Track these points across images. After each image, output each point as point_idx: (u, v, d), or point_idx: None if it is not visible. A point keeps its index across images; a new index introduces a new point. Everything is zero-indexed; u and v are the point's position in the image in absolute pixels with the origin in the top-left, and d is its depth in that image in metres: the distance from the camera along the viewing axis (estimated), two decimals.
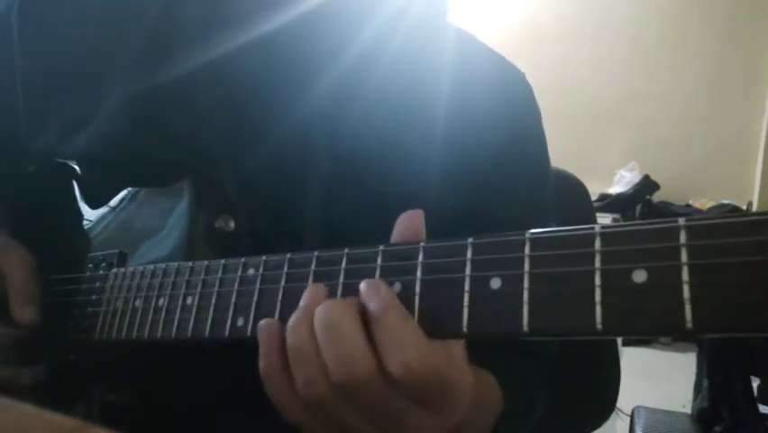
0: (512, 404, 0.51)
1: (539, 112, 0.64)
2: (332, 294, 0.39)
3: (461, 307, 0.32)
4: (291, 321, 0.37)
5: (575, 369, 0.72)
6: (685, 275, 0.26)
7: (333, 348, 0.34)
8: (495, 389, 0.50)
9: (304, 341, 0.36)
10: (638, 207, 3.50)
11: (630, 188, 3.51)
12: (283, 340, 0.37)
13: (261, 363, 0.38)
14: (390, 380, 0.34)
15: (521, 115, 0.61)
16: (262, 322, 0.39)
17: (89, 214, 0.66)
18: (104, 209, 0.65)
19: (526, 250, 0.31)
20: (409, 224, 0.38)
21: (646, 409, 1.44)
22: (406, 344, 0.33)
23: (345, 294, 0.38)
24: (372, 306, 0.35)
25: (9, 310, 0.58)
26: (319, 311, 0.36)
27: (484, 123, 0.57)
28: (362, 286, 0.36)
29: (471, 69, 0.59)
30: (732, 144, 3.58)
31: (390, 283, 0.36)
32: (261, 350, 0.38)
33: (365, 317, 0.35)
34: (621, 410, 1.72)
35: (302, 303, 0.38)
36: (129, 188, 0.64)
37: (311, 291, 0.38)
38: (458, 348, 0.36)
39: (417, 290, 0.35)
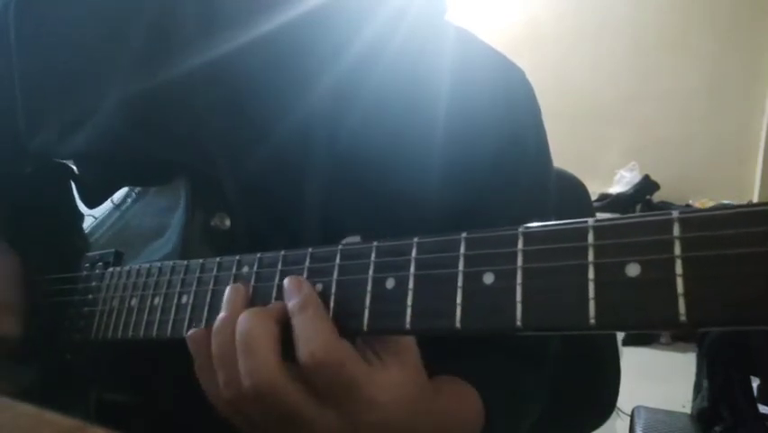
0: (501, 407, 0.50)
1: (539, 110, 0.64)
2: (325, 291, 0.39)
3: (455, 302, 0.32)
4: (216, 326, 0.40)
5: (575, 369, 0.72)
6: (679, 268, 0.25)
7: (246, 359, 0.38)
8: (466, 404, 0.50)
9: (225, 346, 0.39)
10: (638, 207, 3.50)
11: (630, 188, 3.51)
12: (209, 345, 0.40)
13: (195, 365, 0.42)
14: (298, 374, 0.37)
15: (521, 114, 0.61)
16: (190, 333, 0.43)
17: (94, 211, 0.66)
18: (109, 207, 0.65)
19: (519, 245, 0.31)
20: None
21: (646, 409, 1.44)
22: (315, 336, 0.37)
23: (339, 291, 0.38)
24: (292, 303, 0.38)
25: None
26: (240, 321, 0.39)
27: (484, 122, 0.57)
28: (286, 282, 0.40)
29: (471, 68, 0.59)
30: (732, 144, 3.58)
31: (383, 279, 0.36)
32: (192, 354, 0.42)
33: (285, 316, 0.39)
34: (621, 410, 1.72)
35: (223, 309, 0.41)
36: (131, 188, 0.64)
37: (231, 296, 0.42)
38: (386, 370, 0.38)
39: (411, 285, 0.35)
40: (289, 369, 0.37)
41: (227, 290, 0.42)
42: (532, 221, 0.51)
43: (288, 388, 0.37)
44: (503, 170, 0.57)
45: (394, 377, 0.38)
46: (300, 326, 0.37)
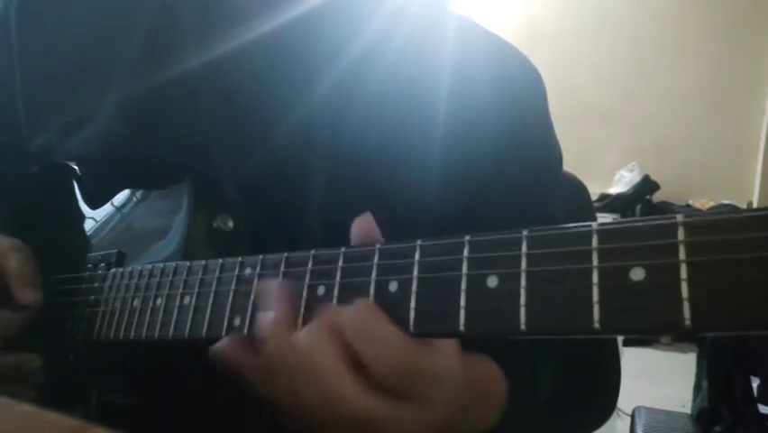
0: (518, 387, 0.50)
1: (544, 95, 0.63)
2: (328, 293, 0.39)
3: (458, 305, 0.32)
4: (268, 330, 0.38)
5: (575, 369, 0.72)
6: (683, 273, 0.25)
7: (312, 377, 0.35)
8: (497, 379, 0.49)
9: (285, 356, 0.37)
10: (638, 208, 3.50)
11: (630, 189, 3.52)
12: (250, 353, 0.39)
13: (245, 375, 0.40)
14: (377, 384, 0.34)
15: (522, 103, 0.60)
16: (220, 346, 0.41)
17: (95, 214, 0.66)
18: (109, 210, 0.64)
19: (523, 248, 0.31)
20: (362, 229, 0.39)
21: (647, 409, 1.44)
22: (387, 344, 0.34)
23: (342, 293, 0.38)
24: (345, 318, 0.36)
25: (12, 297, 0.58)
26: (299, 342, 0.36)
27: (484, 117, 0.57)
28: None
29: (472, 62, 0.58)
30: (732, 144, 3.58)
31: (386, 282, 0.36)
32: (233, 366, 0.40)
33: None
34: (621, 410, 1.72)
35: (273, 309, 0.39)
36: (133, 190, 0.64)
37: (277, 294, 0.39)
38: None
39: (414, 288, 0.34)
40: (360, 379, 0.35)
41: (272, 287, 0.40)
42: (534, 213, 0.51)
43: (363, 398, 0.35)
44: (504, 164, 0.57)
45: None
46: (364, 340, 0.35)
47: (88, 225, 0.67)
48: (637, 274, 0.27)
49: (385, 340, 0.34)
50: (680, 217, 0.26)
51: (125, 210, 0.63)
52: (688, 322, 0.25)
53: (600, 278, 0.28)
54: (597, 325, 0.27)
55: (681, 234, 0.26)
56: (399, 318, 0.35)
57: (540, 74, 0.63)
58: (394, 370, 0.34)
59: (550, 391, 0.59)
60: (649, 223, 0.27)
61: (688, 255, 0.25)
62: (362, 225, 0.39)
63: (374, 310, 0.35)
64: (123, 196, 0.64)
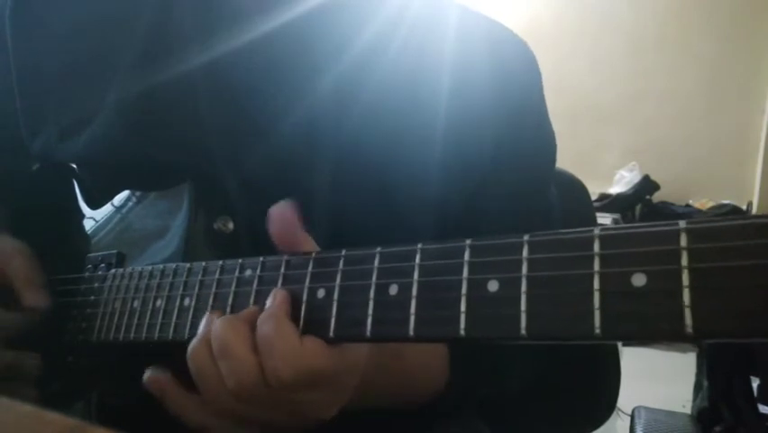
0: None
1: (540, 80, 0.63)
2: (328, 296, 0.39)
3: (459, 310, 0.32)
4: (189, 350, 0.42)
5: (575, 369, 0.72)
6: (685, 279, 0.25)
7: (223, 361, 0.39)
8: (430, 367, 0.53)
9: (203, 364, 0.41)
10: (638, 208, 3.50)
11: (630, 189, 3.51)
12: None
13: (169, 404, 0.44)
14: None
15: (519, 90, 0.60)
16: (151, 378, 0.45)
17: (94, 213, 0.66)
18: (109, 210, 0.64)
19: (524, 253, 0.31)
20: (279, 218, 0.41)
21: (647, 409, 1.44)
22: (275, 353, 0.38)
23: (342, 296, 0.38)
24: (260, 316, 0.40)
25: (17, 298, 0.58)
26: (213, 328, 0.40)
27: (484, 112, 0.57)
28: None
29: (471, 54, 0.58)
30: (732, 144, 3.58)
31: (387, 285, 0.36)
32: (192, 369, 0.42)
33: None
34: (621, 410, 1.72)
35: (199, 331, 0.42)
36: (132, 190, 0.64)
37: (206, 320, 0.43)
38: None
39: (414, 292, 0.34)
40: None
41: (205, 318, 0.43)
42: (533, 204, 0.51)
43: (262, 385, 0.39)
44: (504, 157, 0.57)
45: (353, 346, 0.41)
46: (261, 339, 0.39)
47: (88, 225, 0.67)
48: (639, 280, 0.27)
49: (272, 345, 0.38)
50: (682, 224, 0.26)
51: (125, 210, 0.63)
52: (689, 330, 0.25)
53: (602, 283, 0.28)
54: (598, 331, 0.27)
55: (683, 241, 0.26)
56: (398, 322, 0.35)
57: (535, 57, 0.63)
58: (277, 379, 0.38)
59: (547, 389, 0.59)
60: (651, 229, 0.27)
61: (690, 262, 0.25)
62: (279, 214, 0.41)
63: (273, 314, 0.39)
64: (122, 196, 0.64)
